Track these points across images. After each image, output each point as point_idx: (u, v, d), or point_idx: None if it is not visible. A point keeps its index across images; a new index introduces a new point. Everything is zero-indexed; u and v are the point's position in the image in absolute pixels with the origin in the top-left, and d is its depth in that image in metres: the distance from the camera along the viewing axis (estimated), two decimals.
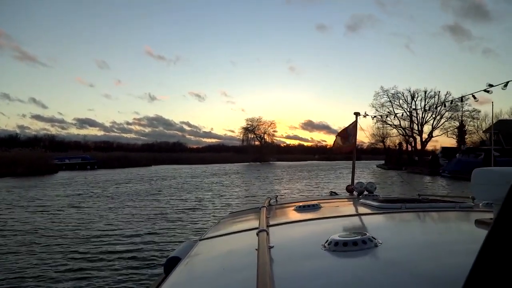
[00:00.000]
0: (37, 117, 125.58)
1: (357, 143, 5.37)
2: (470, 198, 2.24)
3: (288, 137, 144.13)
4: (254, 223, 1.80)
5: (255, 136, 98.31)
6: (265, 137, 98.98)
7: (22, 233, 9.29)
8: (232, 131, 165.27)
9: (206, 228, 4.88)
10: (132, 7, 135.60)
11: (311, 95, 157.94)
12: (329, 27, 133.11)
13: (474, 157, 38.60)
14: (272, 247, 1.23)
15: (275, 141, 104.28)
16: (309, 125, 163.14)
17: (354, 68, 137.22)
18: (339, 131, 5.68)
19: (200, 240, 1.90)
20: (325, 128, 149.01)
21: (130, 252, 7.25)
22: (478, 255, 0.43)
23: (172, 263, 1.61)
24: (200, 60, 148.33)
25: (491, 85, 3.88)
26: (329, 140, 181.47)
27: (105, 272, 6.18)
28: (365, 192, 3.00)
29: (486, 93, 3.95)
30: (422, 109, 56.94)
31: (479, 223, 1.31)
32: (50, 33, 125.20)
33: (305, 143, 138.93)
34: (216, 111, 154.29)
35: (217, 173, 40.29)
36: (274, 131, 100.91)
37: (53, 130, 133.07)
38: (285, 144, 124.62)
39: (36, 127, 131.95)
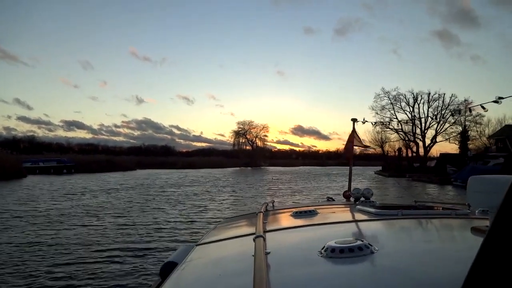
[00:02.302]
0: (23, 119, 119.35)
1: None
2: (466, 205, 2.16)
3: (278, 142, 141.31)
4: (251, 229, 1.79)
5: (246, 140, 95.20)
6: (257, 141, 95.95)
7: None
8: (222, 135, 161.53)
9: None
10: (114, 6, 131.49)
11: (300, 100, 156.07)
12: (317, 31, 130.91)
13: (482, 164, 36.03)
14: (269, 253, 1.22)
15: (266, 145, 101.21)
16: (299, 130, 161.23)
17: (343, 72, 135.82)
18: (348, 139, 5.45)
19: (197, 245, 1.85)
20: (315, 133, 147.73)
21: None
22: (473, 262, 0.44)
23: (168, 268, 1.58)
24: (187, 62, 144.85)
25: (501, 98, 3.95)
26: (320, 145, 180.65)
27: None
28: (362, 198, 2.86)
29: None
30: (426, 114, 54.13)
31: (475, 230, 1.36)
32: (30, 32, 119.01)
33: (296, 148, 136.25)
34: (205, 114, 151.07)
35: (200, 180, 36.25)
36: (265, 135, 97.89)
37: (40, 132, 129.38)
38: (276, 149, 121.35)
39: (23, 129, 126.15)
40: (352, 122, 5.20)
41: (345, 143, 5.41)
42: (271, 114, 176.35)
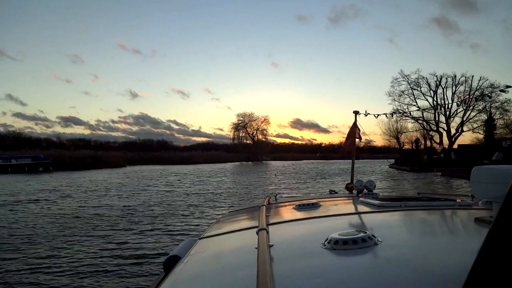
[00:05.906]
0: (19, 115, 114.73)
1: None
2: (470, 196, 2.19)
3: (278, 135, 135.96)
4: (254, 222, 1.81)
5: (246, 133, 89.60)
6: (258, 134, 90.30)
7: None
8: (221, 129, 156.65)
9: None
10: None
11: (297, 92, 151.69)
12: (310, 19, 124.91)
13: None
14: (272, 245, 1.23)
15: (267, 139, 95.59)
16: (298, 124, 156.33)
17: (340, 63, 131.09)
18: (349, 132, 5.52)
19: (200, 238, 1.84)
20: (314, 126, 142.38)
21: None
22: (479, 253, 0.43)
23: (172, 262, 1.57)
24: (178, 54, 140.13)
25: (508, 86, 4.37)
26: (319, 138, 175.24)
27: None
28: (365, 191, 2.93)
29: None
30: (451, 100, 48.33)
31: (478, 221, 1.38)
32: (15, 25, 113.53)
33: (296, 142, 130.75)
34: (202, 109, 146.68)
35: (183, 181, 30.57)
36: (265, 129, 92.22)
37: (38, 128, 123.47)
38: (276, 143, 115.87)
39: (20, 125, 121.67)
40: (354, 114, 5.29)
41: (345, 136, 5.53)
42: (269, 107, 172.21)
